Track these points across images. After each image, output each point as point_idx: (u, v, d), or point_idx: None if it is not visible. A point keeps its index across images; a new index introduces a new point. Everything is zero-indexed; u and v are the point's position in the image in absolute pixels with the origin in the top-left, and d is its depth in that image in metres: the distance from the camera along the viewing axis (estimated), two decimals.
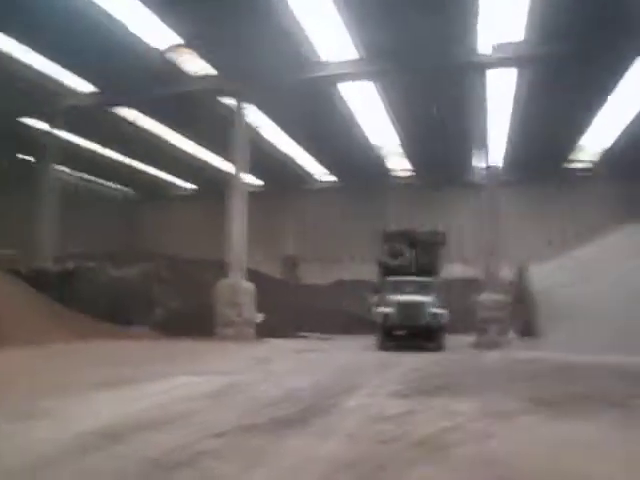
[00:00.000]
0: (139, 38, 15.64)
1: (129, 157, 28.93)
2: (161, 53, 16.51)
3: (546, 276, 17.39)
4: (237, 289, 16.78)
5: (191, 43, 16.33)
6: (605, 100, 20.40)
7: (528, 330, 15.76)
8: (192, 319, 16.43)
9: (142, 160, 29.83)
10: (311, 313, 20.92)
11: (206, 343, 14.61)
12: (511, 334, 15.65)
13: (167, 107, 21.26)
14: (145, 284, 18.86)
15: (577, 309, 14.58)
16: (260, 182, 33.16)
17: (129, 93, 19.47)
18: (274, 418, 4.93)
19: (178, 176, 34.41)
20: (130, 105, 21.49)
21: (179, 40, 16.07)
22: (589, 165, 28.94)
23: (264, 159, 25.80)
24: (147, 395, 6.16)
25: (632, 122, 22.38)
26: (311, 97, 20.11)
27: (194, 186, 36.01)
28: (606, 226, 22.04)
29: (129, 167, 30.17)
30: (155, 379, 7.31)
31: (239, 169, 18.22)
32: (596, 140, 25.58)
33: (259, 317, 17.01)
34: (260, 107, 21.01)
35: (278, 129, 24.34)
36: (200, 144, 27.12)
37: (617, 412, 5.38)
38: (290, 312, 19.93)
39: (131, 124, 23.24)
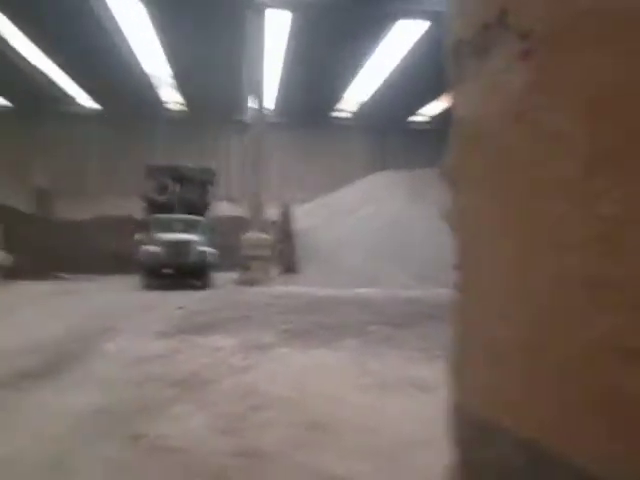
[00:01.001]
0: None
1: None
2: None
3: (305, 217, 18.71)
4: None
5: None
6: (369, 55, 22.22)
7: (289, 268, 16.90)
8: None
9: None
10: (69, 252, 19.21)
11: None
12: (274, 271, 16.62)
13: None
14: None
15: (330, 248, 16.10)
16: (6, 102, 28.53)
17: None
18: (18, 371, 4.45)
19: None
20: None
21: None
22: (350, 115, 31.51)
23: (10, 74, 22.23)
24: None
25: (385, 81, 24.87)
26: (70, 7, 17.70)
27: None
28: (362, 172, 24.44)
29: None
30: None
31: None
32: (357, 92, 27.85)
33: (5, 258, 15.02)
34: (3, 10, 17.82)
35: (26, 39, 21.02)
36: None
37: (356, 339, 6.14)
38: (44, 251, 18.00)
39: None
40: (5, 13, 18.42)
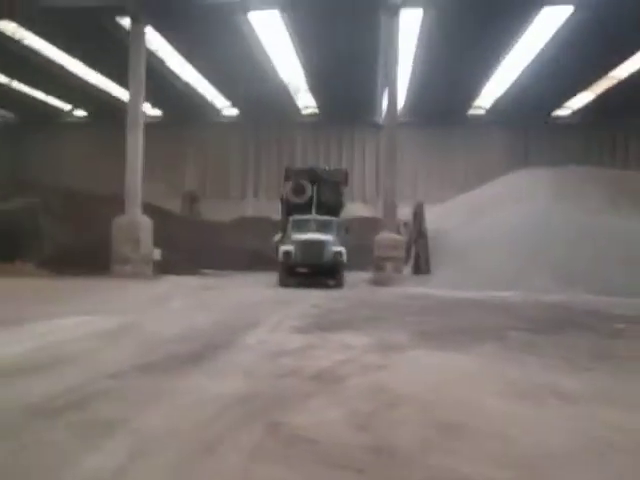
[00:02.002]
0: None
1: (9, 77, 26.28)
2: None
3: (440, 217, 18.26)
4: (134, 224, 16.13)
5: None
6: (509, 50, 21.13)
7: (422, 268, 16.62)
8: (86, 256, 15.63)
9: (25, 82, 27.17)
10: (212, 250, 20.67)
11: (101, 281, 13.99)
12: (406, 271, 16.46)
13: (56, 23, 19.25)
14: (32, 218, 17.46)
15: (465, 249, 15.54)
16: (158, 112, 31.47)
17: (10, 3, 17.45)
18: (171, 356, 4.86)
19: (68, 101, 31.75)
20: (11, 18, 19.27)
21: None
22: (484, 113, 30.23)
23: (164, 87, 24.46)
24: (35, 335, 5.77)
25: (523, 73, 23.49)
26: (217, 24, 19.03)
27: (85, 113, 33.42)
28: (501, 170, 23.32)
29: (9, 88, 27.39)
30: (45, 318, 6.86)
31: (135, 97, 17.08)
32: (494, 88, 26.62)
33: (157, 254, 16.53)
34: (160, 31, 19.64)
35: (179, 56, 23.00)
36: (94, 68, 25.05)
37: (493, 344, 5.85)
38: (190, 249, 19.55)
39: (11, 40, 20.94)
40: (162, 35, 20.30)
